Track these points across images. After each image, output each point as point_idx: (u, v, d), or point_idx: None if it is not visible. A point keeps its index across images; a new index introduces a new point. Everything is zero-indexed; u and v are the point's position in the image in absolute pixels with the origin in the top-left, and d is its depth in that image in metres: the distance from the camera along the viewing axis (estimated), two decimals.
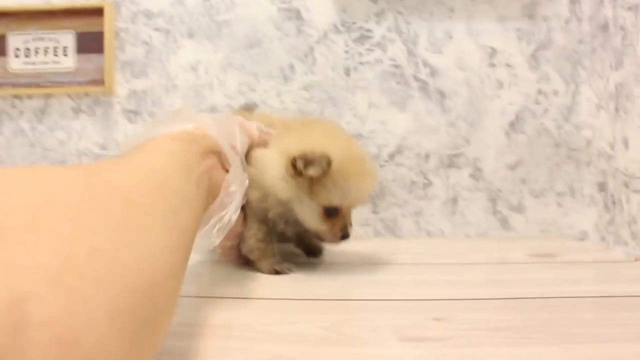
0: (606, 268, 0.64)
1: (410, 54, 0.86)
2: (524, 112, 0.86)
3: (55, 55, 0.90)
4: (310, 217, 0.57)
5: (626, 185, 0.72)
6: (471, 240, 0.86)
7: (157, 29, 0.89)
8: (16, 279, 0.20)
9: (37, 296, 0.20)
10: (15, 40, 0.90)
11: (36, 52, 0.90)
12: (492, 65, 0.86)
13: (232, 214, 0.49)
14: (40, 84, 0.90)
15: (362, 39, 0.87)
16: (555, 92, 0.85)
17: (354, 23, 0.87)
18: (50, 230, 0.22)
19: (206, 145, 0.47)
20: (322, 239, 0.60)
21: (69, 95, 0.91)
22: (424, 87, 0.86)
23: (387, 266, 0.64)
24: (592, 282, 0.58)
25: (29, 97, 0.91)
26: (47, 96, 0.91)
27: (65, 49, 0.90)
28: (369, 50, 0.87)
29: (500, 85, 0.86)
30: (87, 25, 0.89)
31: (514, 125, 0.86)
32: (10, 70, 0.90)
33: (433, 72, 0.86)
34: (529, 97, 0.86)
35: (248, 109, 0.76)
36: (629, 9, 0.72)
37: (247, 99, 0.87)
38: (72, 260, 0.22)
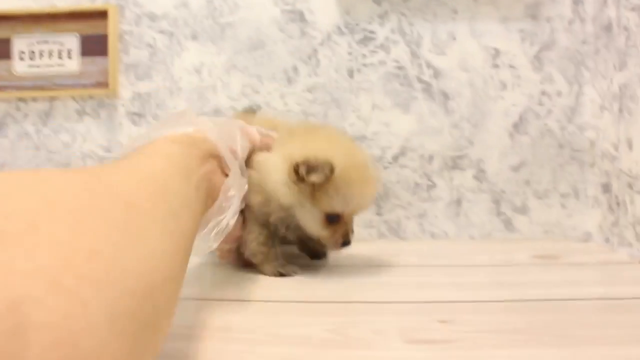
0: (610, 269, 0.64)
1: (414, 55, 0.86)
2: (528, 113, 0.86)
3: (60, 58, 0.90)
4: (311, 223, 0.57)
5: (630, 186, 0.72)
6: (475, 241, 0.86)
7: (161, 32, 0.89)
8: (15, 282, 0.20)
9: (36, 299, 0.20)
10: (20, 43, 0.90)
11: (41, 55, 0.91)
12: (496, 66, 0.86)
13: (229, 218, 0.49)
14: (45, 86, 0.91)
15: (366, 40, 0.87)
16: (559, 93, 0.85)
17: (357, 25, 0.87)
18: (49, 233, 0.22)
19: (206, 148, 0.47)
20: (323, 245, 0.60)
21: (74, 98, 0.91)
22: (427, 88, 0.86)
23: (391, 268, 0.64)
24: (596, 283, 0.58)
25: (34, 100, 0.92)
26: (52, 99, 0.91)
27: (69, 51, 0.90)
28: (373, 52, 0.87)
29: (503, 86, 0.86)
30: (91, 28, 0.89)
31: (518, 126, 0.86)
32: (15, 73, 0.91)
33: (436, 74, 0.86)
34: (532, 98, 0.86)
35: (250, 111, 0.77)
36: (633, 9, 0.71)
37: (251, 101, 0.87)
38: (71, 262, 0.22)
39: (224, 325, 0.43)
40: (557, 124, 0.85)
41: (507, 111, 0.86)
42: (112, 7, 0.88)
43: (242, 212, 0.57)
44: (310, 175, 0.53)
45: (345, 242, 0.58)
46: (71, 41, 0.90)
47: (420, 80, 0.86)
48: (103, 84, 0.89)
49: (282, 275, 0.59)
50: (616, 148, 0.76)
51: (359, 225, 0.83)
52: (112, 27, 0.88)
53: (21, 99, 0.92)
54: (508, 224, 0.86)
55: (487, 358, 0.36)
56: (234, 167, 0.50)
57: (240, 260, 0.63)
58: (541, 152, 0.85)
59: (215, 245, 0.48)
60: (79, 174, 0.30)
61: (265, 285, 0.56)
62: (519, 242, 0.83)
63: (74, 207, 0.25)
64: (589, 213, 0.85)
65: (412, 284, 0.57)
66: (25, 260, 0.21)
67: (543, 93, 0.86)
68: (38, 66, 0.91)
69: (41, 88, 0.90)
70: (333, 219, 0.56)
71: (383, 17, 0.87)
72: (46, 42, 0.90)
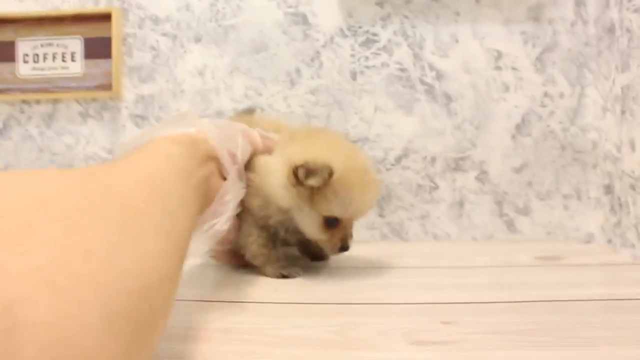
0: (613, 271, 0.64)
1: (416, 57, 0.87)
2: (530, 114, 0.86)
3: (64, 60, 0.91)
4: (310, 227, 0.57)
5: (633, 187, 0.72)
6: (477, 243, 0.86)
7: (164, 34, 0.90)
8: (9, 282, 0.20)
9: (29, 300, 0.20)
10: (24, 46, 0.91)
11: (44, 57, 0.91)
12: (498, 68, 0.86)
13: (223, 223, 0.49)
14: (49, 89, 0.91)
15: (368, 42, 0.87)
16: (561, 95, 0.86)
17: (360, 27, 0.87)
18: (43, 233, 0.22)
19: (206, 150, 0.47)
20: (322, 248, 0.60)
21: (77, 101, 0.91)
22: (430, 90, 0.86)
23: (393, 269, 0.64)
24: (599, 284, 0.58)
25: (38, 102, 0.92)
26: (55, 101, 0.92)
27: (73, 54, 0.91)
28: (375, 54, 0.87)
29: (506, 88, 0.86)
30: (95, 30, 0.90)
31: (520, 128, 0.86)
32: (19, 76, 0.91)
33: (439, 76, 0.86)
34: (534, 100, 0.86)
35: (249, 112, 0.77)
36: (635, 11, 0.72)
37: (254, 103, 0.87)
38: (65, 263, 0.22)
39: (226, 327, 0.43)
40: (559, 125, 0.85)
41: (510, 113, 0.86)
42: (115, 10, 0.89)
43: (238, 215, 0.58)
44: (308, 179, 0.52)
45: (344, 247, 0.58)
46: (75, 44, 0.91)
47: (422, 82, 0.87)
48: (106, 87, 0.90)
49: (284, 276, 0.59)
50: (619, 149, 0.76)
51: (362, 227, 0.84)
52: (116, 30, 0.89)
53: (25, 102, 0.92)
54: (510, 226, 0.86)
55: (491, 359, 0.36)
56: (232, 172, 0.50)
57: (234, 260, 0.63)
58: (543, 154, 0.86)
59: (207, 247, 0.48)
60: (75, 174, 0.31)
61: (267, 287, 0.57)
62: (521, 244, 0.83)
63: (70, 207, 0.25)
64: (592, 214, 0.85)
65: (414, 285, 0.57)
66: (20, 261, 0.21)
67: (545, 95, 0.86)
68: (42, 69, 0.91)
69: (45, 90, 0.91)
70: (332, 223, 0.56)
71: (386, 19, 0.87)
72: (50, 44, 0.91)
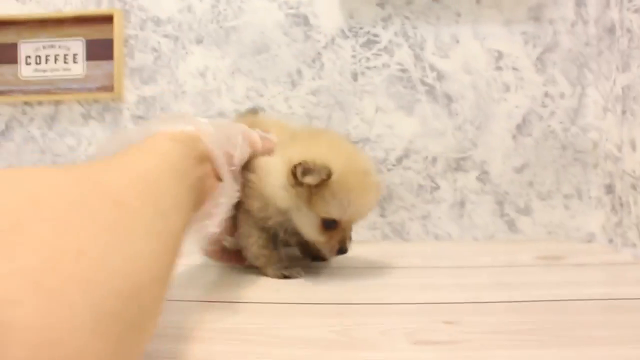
0: (614, 270, 0.64)
1: (417, 58, 0.87)
2: (531, 115, 0.86)
3: (66, 62, 0.91)
4: (307, 228, 0.56)
5: (634, 187, 0.72)
6: (478, 243, 0.86)
7: (165, 36, 0.90)
8: None
9: (15, 300, 0.20)
10: (26, 48, 0.91)
11: (47, 59, 0.91)
12: (499, 68, 0.86)
13: (214, 226, 0.48)
14: (51, 90, 0.91)
15: (369, 43, 0.87)
16: (562, 95, 0.86)
17: (361, 28, 0.87)
18: (33, 232, 0.22)
19: (203, 150, 0.46)
20: (320, 251, 0.60)
21: (79, 102, 0.92)
22: (430, 91, 0.87)
23: (394, 270, 0.64)
24: (600, 284, 0.58)
25: (40, 103, 0.92)
26: (57, 103, 0.92)
27: (75, 56, 0.91)
28: (376, 55, 0.87)
29: (506, 88, 0.86)
30: (96, 32, 0.90)
31: (521, 128, 0.86)
32: (21, 78, 0.92)
33: (440, 76, 0.87)
34: (535, 100, 0.86)
35: (252, 112, 0.77)
36: (636, 11, 0.72)
37: (256, 104, 0.88)
38: (55, 263, 0.22)
39: (227, 327, 0.43)
40: (560, 125, 0.86)
41: (510, 113, 0.86)
42: (117, 11, 0.89)
43: (237, 216, 0.58)
44: (305, 177, 0.52)
45: (342, 250, 0.57)
46: (77, 46, 0.91)
47: (423, 83, 0.87)
48: (108, 88, 0.90)
49: (285, 277, 0.59)
50: (619, 149, 0.76)
51: (363, 227, 0.84)
52: (118, 31, 0.89)
53: (27, 103, 0.92)
54: (511, 225, 0.86)
55: (493, 358, 0.36)
56: (227, 174, 0.49)
57: (227, 257, 0.63)
58: (544, 154, 0.86)
59: (199, 245, 0.47)
60: (67, 172, 0.30)
61: (269, 287, 0.57)
62: (522, 243, 0.83)
63: (61, 205, 0.25)
64: (593, 214, 0.85)
65: (416, 285, 0.57)
66: (6, 261, 0.20)
67: (546, 95, 0.86)
68: (44, 70, 0.92)
69: (47, 92, 0.91)
70: (330, 225, 0.55)
71: (386, 20, 0.87)
72: (52, 46, 0.91)
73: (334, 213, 0.54)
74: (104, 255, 0.25)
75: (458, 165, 0.86)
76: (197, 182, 0.44)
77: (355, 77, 0.87)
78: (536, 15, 0.86)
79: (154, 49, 0.90)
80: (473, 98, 0.86)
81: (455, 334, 0.41)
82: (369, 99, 0.87)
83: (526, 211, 0.86)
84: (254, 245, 0.60)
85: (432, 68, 0.87)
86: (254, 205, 0.57)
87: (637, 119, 0.71)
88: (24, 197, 0.24)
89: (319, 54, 0.88)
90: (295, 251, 0.69)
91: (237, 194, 0.52)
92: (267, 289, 0.56)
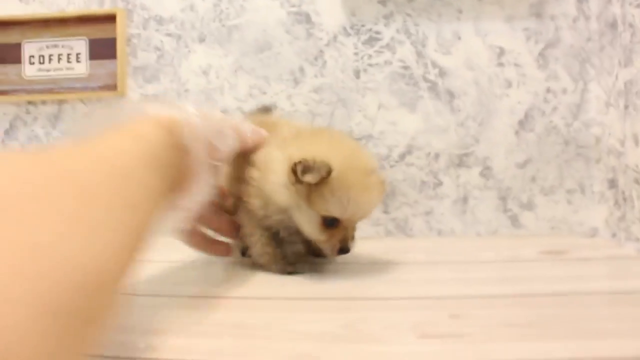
0: (617, 264, 0.64)
1: (419, 55, 0.87)
2: (533, 110, 0.86)
3: (69, 61, 0.92)
4: (308, 226, 0.55)
5: (637, 181, 0.72)
6: (482, 238, 0.86)
7: (168, 35, 0.90)
8: None
9: None
10: (29, 48, 0.92)
11: (50, 58, 0.92)
12: (501, 64, 0.86)
13: (183, 221, 0.46)
14: (54, 90, 0.92)
15: (371, 41, 0.88)
16: (564, 90, 0.86)
17: (363, 25, 0.88)
18: None
19: (187, 139, 0.43)
20: (320, 249, 0.59)
21: (82, 101, 0.92)
22: (433, 87, 0.87)
23: (399, 265, 0.64)
24: (604, 278, 0.59)
25: (43, 103, 0.93)
26: (61, 102, 0.92)
27: (78, 55, 0.91)
28: (378, 52, 0.87)
29: (508, 84, 0.86)
30: (99, 32, 0.90)
31: (523, 123, 0.86)
32: (24, 77, 0.92)
33: (442, 73, 0.87)
34: (537, 96, 0.86)
35: (266, 110, 0.76)
36: (638, 6, 0.72)
37: (258, 102, 0.88)
38: (7, 257, 0.21)
39: (233, 322, 0.43)
40: (562, 120, 0.86)
41: (513, 109, 0.86)
42: (120, 11, 0.89)
43: (238, 214, 0.57)
44: (305, 175, 0.51)
45: (343, 249, 0.56)
46: (80, 45, 0.91)
47: (425, 80, 0.87)
48: (111, 87, 0.90)
49: (290, 273, 0.59)
50: (622, 144, 0.76)
51: (367, 223, 0.84)
52: (120, 30, 0.89)
53: (31, 102, 0.93)
54: (514, 221, 0.87)
55: (498, 351, 0.37)
56: (204, 168, 0.46)
57: (204, 244, 0.61)
58: (547, 149, 0.86)
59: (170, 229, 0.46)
60: (32, 157, 0.29)
61: (275, 283, 0.57)
62: (525, 238, 0.83)
63: (20, 194, 0.24)
64: (596, 208, 0.85)
65: (420, 280, 0.57)
66: None
67: (548, 90, 0.86)
68: (47, 70, 0.92)
69: (50, 91, 0.92)
70: (331, 224, 0.55)
71: (388, 17, 0.87)
72: (55, 46, 0.92)
73: (333, 211, 0.54)
74: (62, 248, 0.23)
75: (461, 161, 0.87)
76: (173, 171, 0.41)
77: (357, 74, 0.88)
78: (538, 11, 0.86)
79: (157, 48, 0.91)
80: (475, 94, 0.86)
81: (461, 328, 0.41)
82: (372, 96, 0.87)
83: (529, 206, 0.86)
84: (257, 243, 0.60)
85: (434, 65, 0.87)
86: (255, 203, 0.57)
87: (639, 113, 0.71)
88: None
89: (321, 51, 0.88)
90: (300, 247, 0.69)
91: (213, 190, 0.49)
92: (272, 284, 0.57)
